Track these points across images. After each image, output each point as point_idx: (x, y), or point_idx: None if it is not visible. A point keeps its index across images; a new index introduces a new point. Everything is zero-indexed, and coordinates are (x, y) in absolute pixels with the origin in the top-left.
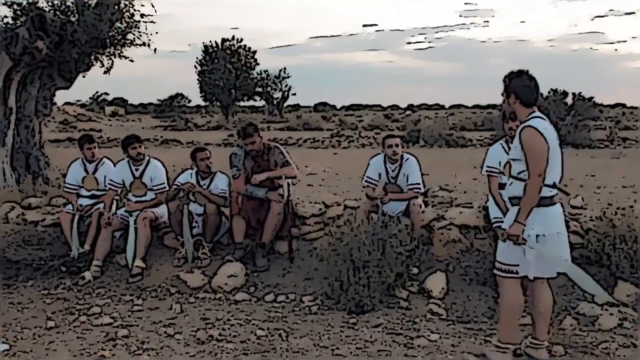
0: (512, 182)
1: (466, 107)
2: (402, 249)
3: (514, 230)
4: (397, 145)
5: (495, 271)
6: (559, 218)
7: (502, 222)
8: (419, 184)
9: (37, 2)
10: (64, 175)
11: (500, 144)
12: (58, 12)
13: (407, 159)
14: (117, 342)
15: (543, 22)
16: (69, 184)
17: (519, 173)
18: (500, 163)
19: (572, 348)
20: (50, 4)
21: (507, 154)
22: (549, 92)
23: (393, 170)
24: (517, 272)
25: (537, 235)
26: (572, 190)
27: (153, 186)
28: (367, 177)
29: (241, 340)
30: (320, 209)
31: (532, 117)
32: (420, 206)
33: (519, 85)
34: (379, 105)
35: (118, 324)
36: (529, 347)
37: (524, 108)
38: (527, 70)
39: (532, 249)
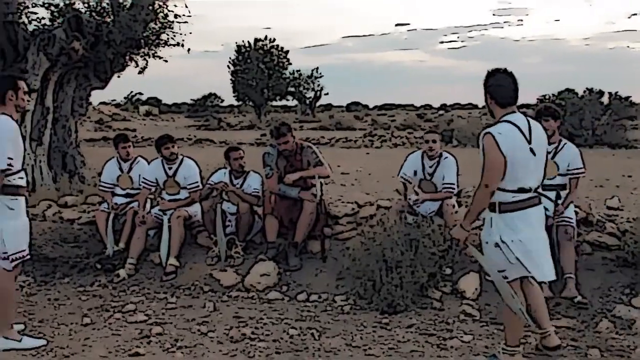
0: None
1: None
2: (435, 249)
3: (456, 234)
4: (434, 142)
5: (487, 278)
6: (534, 220)
7: None
8: (452, 184)
9: (74, 4)
10: (100, 174)
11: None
12: (94, 14)
13: (446, 157)
14: (151, 339)
15: (578, 20)
16: (104, 183)
17: None
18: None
19: (608, 352)
20: (86, 5)
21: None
22: (584, 92)
23: (430, 167)
24: (506, 277)
25: (512, 241)
26: (609, 191)
27: (186, 185)
28: (403, 172)
29: (274, 339)
30: (352, 209)
31: (501, 121)
32: (454, 206)
33: (495, 84)
34: (412, 105)
35: (152, 322)
36: (542, 339)
37: (500, 109)
38: (505, 69)
39: (478, 258)
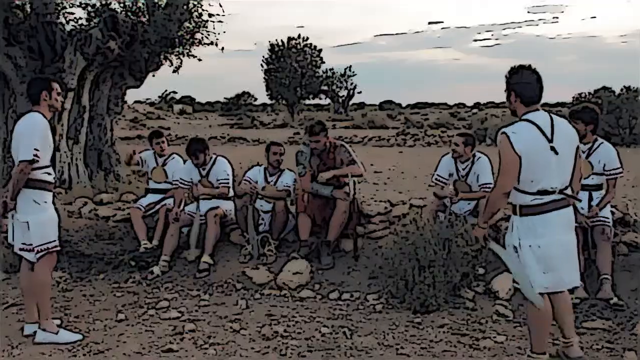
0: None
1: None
2: (469, 248)
3: (475, 233)
4: (456, 144)
5: (514, 284)
6: (558, 225)
7: None
8: (490, 183)
9: (110, 4)
10: (134, 172)
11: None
12: (129, 13)
13: (479, 157)
14: (184, 335)
15: (615, 17)
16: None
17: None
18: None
19: None
20: (122, 5)
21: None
22: (621, 90)
23: (464, 169)
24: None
25: (530, 246)
26: None
27: (218, 181)
28: (437, 175)
29: (306, 337)
30: (385, 208)
31: (519, 120)
32: None
33: (520, 82)
34: (445, 104)
35: (185, 318)
36: (564, 347)
37: (524, 107)
38: (530, 65)
39: (501, 255)
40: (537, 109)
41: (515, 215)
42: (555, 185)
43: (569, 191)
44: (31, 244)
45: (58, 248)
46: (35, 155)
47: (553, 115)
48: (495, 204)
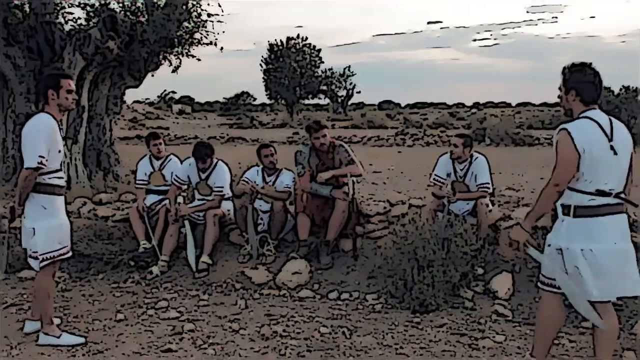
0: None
1: (533, 105)
2: (468, 248)
3: (515, 235)
4: (455, 146)
5: (538, 284)
6: (614, 231)
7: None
8: (487, 183)
9: (109, 4)
10: (133, 172)
11: None
12: (128, 13)
13: (477, 157)
14: (183, 335)
15: (614, 17)
16: (139, 181)
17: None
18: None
19: None
20: (121, 5)
21: None
22: (620, 90)
23: (462, 169)
24: (558, 287)
25: (582, 250)
26: None
27: (214, 186)
28: (435, 175)
29: (305, 337)
30: (384, 208)
31: (579, 117)
32: (488, 205)
33: (582, 80)
34: (444, 103)
35: (184, 318)
36: None
37: (583, 106)
38: (591, 63)
39: (539, 259)
40: (595, 108)
41: (566, 216)
42: (613, 187)
43: (623, 195)
44: (36, 251)
45: (67, 255)
46: (40, 163)
47: (611, 117)
48: (548, 202)
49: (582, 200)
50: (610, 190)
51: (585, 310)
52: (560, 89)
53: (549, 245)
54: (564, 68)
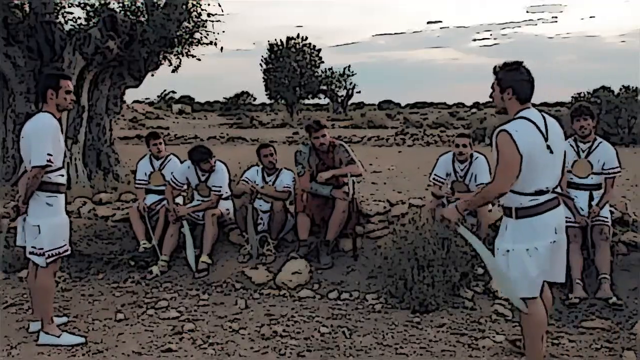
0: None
1: (534, 104)
2: (467, 248)
3: (448, 214)
4: (464, 146)
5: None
6: (553, 225)
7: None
8: (487, 183)
9: (109, 3)
10: (133, 172)
11: (569, 142)
12: (128, 13)
13: (477, 157)
14: (183, 335)
15: (614, 17)
16: (139, 181)
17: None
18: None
19: None
20: (121, 5)
21: (577, 153)
22: (620, 89)
23: (462, 169)
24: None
25: (527, 250)
26: None
27: (212, 186)
28: (435, 175)
29: (305, 337)
30: (384, 207)
31: (517, 118)
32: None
33: (518, 79)
34: (444, 103)
35: (184, 318)
36: None
37: (519, 104)
38: (522, 62)
39: (468, 239)
40: (530, 107)
41: (509, 218)
42: (550, 185)
43: (558, 190)
44: (42, 248)
45: (68, 252)
46: (49, 161)
47: (544, 114)
48: (486, 201)
49: (522, 201)
50: (547, 188)
51: (509, 294)
52: (493, 88)
53: (497, 249)
54: (496, 67)
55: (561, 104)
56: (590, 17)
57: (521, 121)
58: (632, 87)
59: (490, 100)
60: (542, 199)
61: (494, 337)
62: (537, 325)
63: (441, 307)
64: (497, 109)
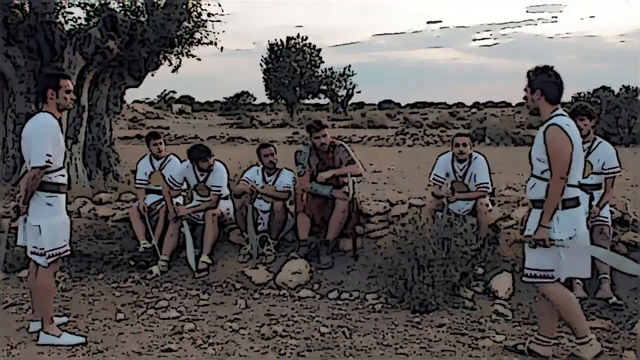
0: (534, 183)
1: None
2: (468, 248)
3: (540, 235)
4: (464, 145)
5: (526, 279)
6: (583, 217)
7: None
8: (487, 183)
9: (109, 3)
10: (133, 172)
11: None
12: (128, 13)
13: (476, 157)
14: (183, 335)
15: (614, 16)
16: (139, 180)
17: (542, 172)
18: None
19: None
20: (121, 4)
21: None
22: (620, 89)
23: (461, 169)
24: (552, 277)
25: (570, 238)
26: None
27: (211, 186)
28: (435, 174)
29: (305, 337)
30: (384, 207)
31: (556, 115)
32: (487, 205)
33: (546, 81)
34: (444, 103)
35: (184, 318)
36: (534, 342)
37: (549, 105)
38: (552, 67)
39: (568, 248)
40: (559, 108)
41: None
42: (580, 180)
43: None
44: (42, 248)
45: (69, 252)
46: (48, 161)
47: None
48: (557, 194)
49: (568, 193)
50: (579, 183)
51: (631, 268)
52: (525, 90)
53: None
54: (529, 71)
55: (561, 104)
56: (590, 17)
57: (566, 118)
58: (632, 87)
59: (490, 100)
60: (579, 191)
61: (494, 337)
62: (574, 307)
63: (441, 307)
64: (530, 110)
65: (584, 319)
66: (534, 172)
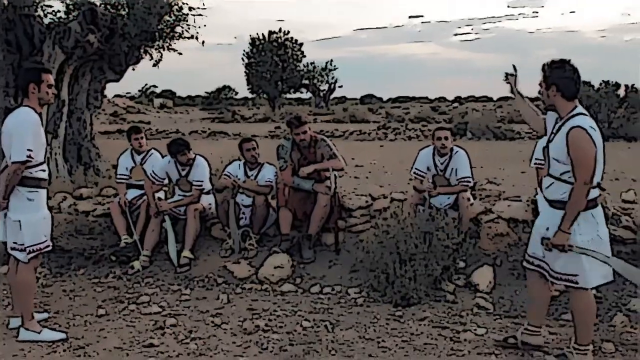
0: (552, 183)
1: (514, 99)
2: (449, 242)
3: (559, 240)
4: (446, 139)
5: (553, 280)
6: (603, 216)
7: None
8: (468, 177)
9: None
10: (114, 167)
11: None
12: (109, 6)
13: (457, 152)
14: (165, 330)
15: (594, 11)
16: (120, 175)
17: (561, 174)
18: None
19: (622, 345)
20: None
21: None
22: (600, 84)
23: (442, 163)
24: (577, 282)
25: (592, 239)
26: (624, 184)
27: (193, 181)
28: (416, 169)
29: (287, 331)
30: (366, 201)
31: (577, 114)
32: (469, 199)
33: (562, 76)
34: (426, 98)
35: (166, 313)
36: (525, 333)
37: (565, 101)
38: (570, 60)
39: (587, 254)
40: (577, 105)
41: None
42: (600, 180)
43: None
44: (23, 244)
45: (49, 248)
46: (29, 156)
47: None
48: (582, 201)
49: (590, 194)
50: (599, 183)
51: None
52: (541, 85)
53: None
54: (544, 65)
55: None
56: (571, 12)
57: (588, 119)
58: (612, 81)
59: (472, 94)
60: (598, 192)
61: (475, 330)
62: (592, 312)
63: (423, 301)
64: (545, 105)
65: (593, 329)
66: (551, 171)
